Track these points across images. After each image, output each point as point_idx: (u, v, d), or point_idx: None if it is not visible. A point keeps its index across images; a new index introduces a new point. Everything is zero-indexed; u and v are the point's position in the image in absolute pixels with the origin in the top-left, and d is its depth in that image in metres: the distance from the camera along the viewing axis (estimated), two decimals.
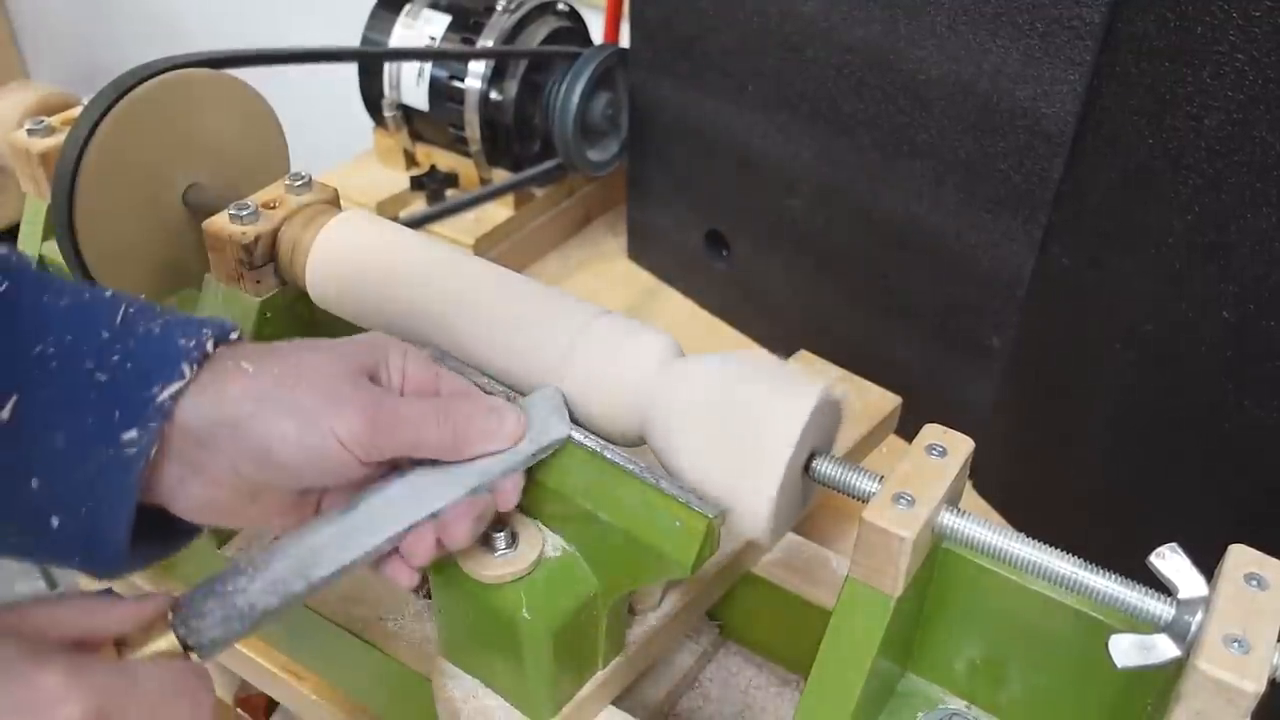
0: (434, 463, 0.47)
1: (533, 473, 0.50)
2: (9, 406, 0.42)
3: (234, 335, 0.46)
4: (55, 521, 0.42)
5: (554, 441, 0.49)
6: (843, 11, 0.71)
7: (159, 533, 0.47)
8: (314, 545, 0.45)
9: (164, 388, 0.43)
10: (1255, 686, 0.37)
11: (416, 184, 1.05)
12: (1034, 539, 0.45)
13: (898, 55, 0.69)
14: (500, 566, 0.49)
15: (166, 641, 0.41)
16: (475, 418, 0.47)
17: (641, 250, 0.99)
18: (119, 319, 0.44)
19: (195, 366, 0.44)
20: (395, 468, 0.48)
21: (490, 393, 0.52)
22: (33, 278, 0.44)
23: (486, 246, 0.98)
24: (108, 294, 0.45)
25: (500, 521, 0.50)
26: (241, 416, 0.43)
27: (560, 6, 1.01)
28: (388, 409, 0.45)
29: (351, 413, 0.44)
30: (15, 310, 0.43)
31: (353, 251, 0.58)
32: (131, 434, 0.42)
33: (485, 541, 0.49)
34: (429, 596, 0.59)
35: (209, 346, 0.44)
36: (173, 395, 0.43)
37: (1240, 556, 0.41)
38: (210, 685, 0.42)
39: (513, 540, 0.50)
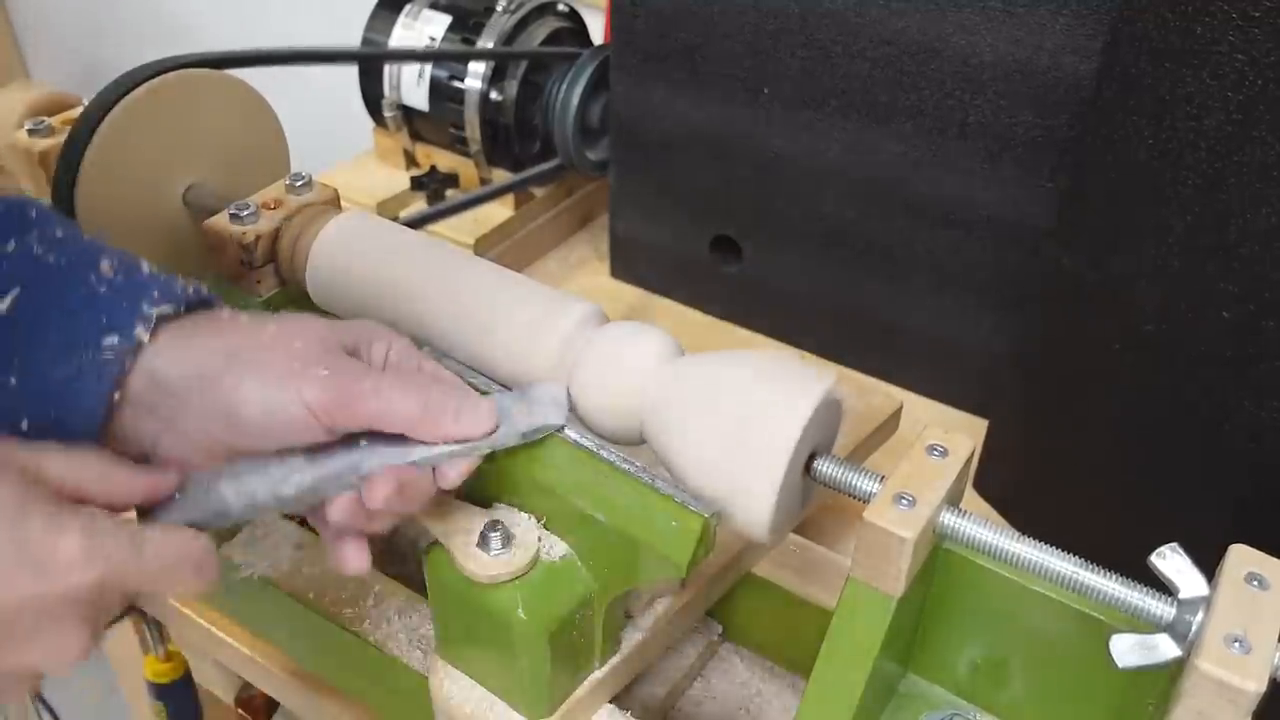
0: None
1: (529, 472, 0.50)
2: (9, 300, 0.44)
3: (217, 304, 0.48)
4: (25, 425, 0.43)
5: (545, 426, 0.49)
6: (879, 6, 0.73)
7: None
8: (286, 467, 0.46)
9: (155, 306, 0.45)
10: (1256, 686, 0.37)
11: (417, 184, 1.05)
12: (1034, 539, 0.45)
13: (944, 43, 0.72)
14: (496, 566, 0.49)
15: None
16: (447, 397, 0.47)
17: (627, 267, 0.99)
18: (118, 256, 0.47)
19: (189, 305, 0.46)
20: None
21: (486, 392, 0.52)
22: (45, 207, 0.47)
23: (486, 246, 0.98)
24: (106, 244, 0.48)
25: (496, 522, 0.50)
26: (210, 372, 0.44)
27: (560, 7, 1.02)
28: (355, 377, 0.45)
29: (319, 378, 0.44)
30: (27, 221, 0.46)
31: (353, 252, 0.58)
32: (112, 339, 0.43)
33: (481, 541, 0.49)
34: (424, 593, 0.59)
35: (205, 291, 0.47)
36: (162, 314, 0.45)
37: (1241, 556, 0.41)
38: (214, 556, 0.43)
39: (508, 540, 0.50)
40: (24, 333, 0.44)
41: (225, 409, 0.44)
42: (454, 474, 0.47)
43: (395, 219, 0.97)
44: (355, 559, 0.48)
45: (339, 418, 0.45)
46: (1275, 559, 0.41)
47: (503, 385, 0.53)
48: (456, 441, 0.47)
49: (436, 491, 0.48)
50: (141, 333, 0.44)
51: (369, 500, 0.46)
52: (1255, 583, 0.40)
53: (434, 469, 0.47)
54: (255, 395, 0.44)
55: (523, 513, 0.52)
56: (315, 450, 0.46)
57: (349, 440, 0.46)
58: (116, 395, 0.44)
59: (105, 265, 0.46)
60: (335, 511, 0.46)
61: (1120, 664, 0.40)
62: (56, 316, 0.44)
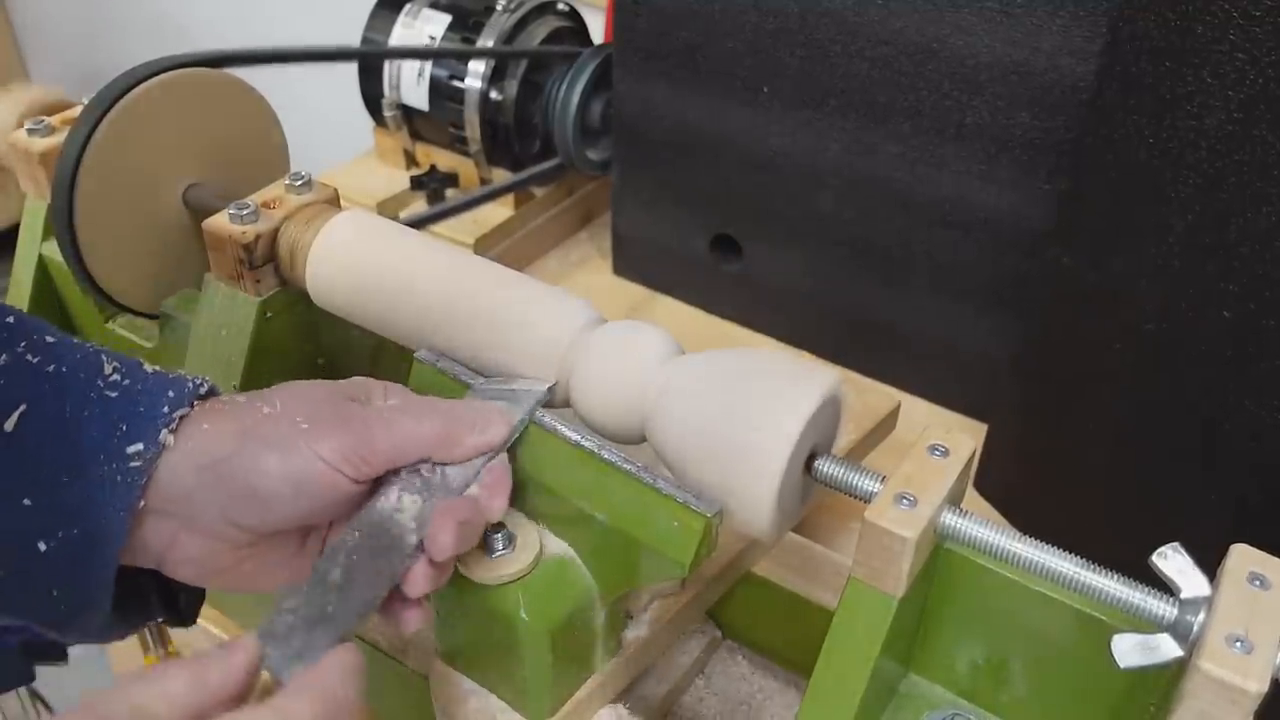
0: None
1: (530, 472, 0.50)
2: (14, 417, 0.41)
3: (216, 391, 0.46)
4: (42, 546, 0.41)
5: (535, 392, 0.50)
6: (877, 7, 0.73)
7: (144, 606, 0.47)
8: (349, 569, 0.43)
9: (173, 408, 0.43)
10: (1258, 686, 0.37)
11: (416, 184, 1.04)
12: (1035, 539, 0.45)
13: (941, 43, 0.72)
14: (498, 567, 0.49)
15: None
16: (461, 411, 0.47)
17: (629, 264, 0.99)
18: (116, 357, 0.45)
19: (199, 399, 0.44)
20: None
21: (468, 384, 0.52)
22: (23, 313, 0.45)
23: (486, 246, 0.98)
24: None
25: (498, 523, 0.50)
26: (222, 457, 0.43)
27: (560, 6, 1.02)
28: (366, 419, 0.45)
29: (331, 431, 0.43)
30: (23, 332, 0.43)
31: (353, 251, 0.58)
32: (137, 446, 0.41)
33: (483, 543, 0.49)
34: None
35: (206, 381, 0.45)
36: (181, 415, 0.43)
37: (1243, 556, 0.41)
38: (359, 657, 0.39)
39: (510, 541, 0.50)
40: (33, 449, 0.41)
41: (245, 490, 0.43)
42: (498, 503, 0.47)
43: (395, 219, 0.97)
44: (420, 618, 0.46)
45: (361, 462, 0.44)
46: (1277, 559, 0.41)
47: (478, 373, 0.53)
48: (482, 453, 0.47)
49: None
50: (166, 436, 0.42)
51: (435, 553, 0.44)
52: (1257, 583, 0.40)
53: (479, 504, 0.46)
54: (273, 466, 0.43)
55: (524, 513, 0.52)
56: (360, 540, 0.43)
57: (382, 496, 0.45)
58: (142, 503, 0.42)
59: (109, 368, 0.44)
60: (414, 586, 0.44)
61: (1122, 664, 0.40)
62: (70, 430, 0.42)
